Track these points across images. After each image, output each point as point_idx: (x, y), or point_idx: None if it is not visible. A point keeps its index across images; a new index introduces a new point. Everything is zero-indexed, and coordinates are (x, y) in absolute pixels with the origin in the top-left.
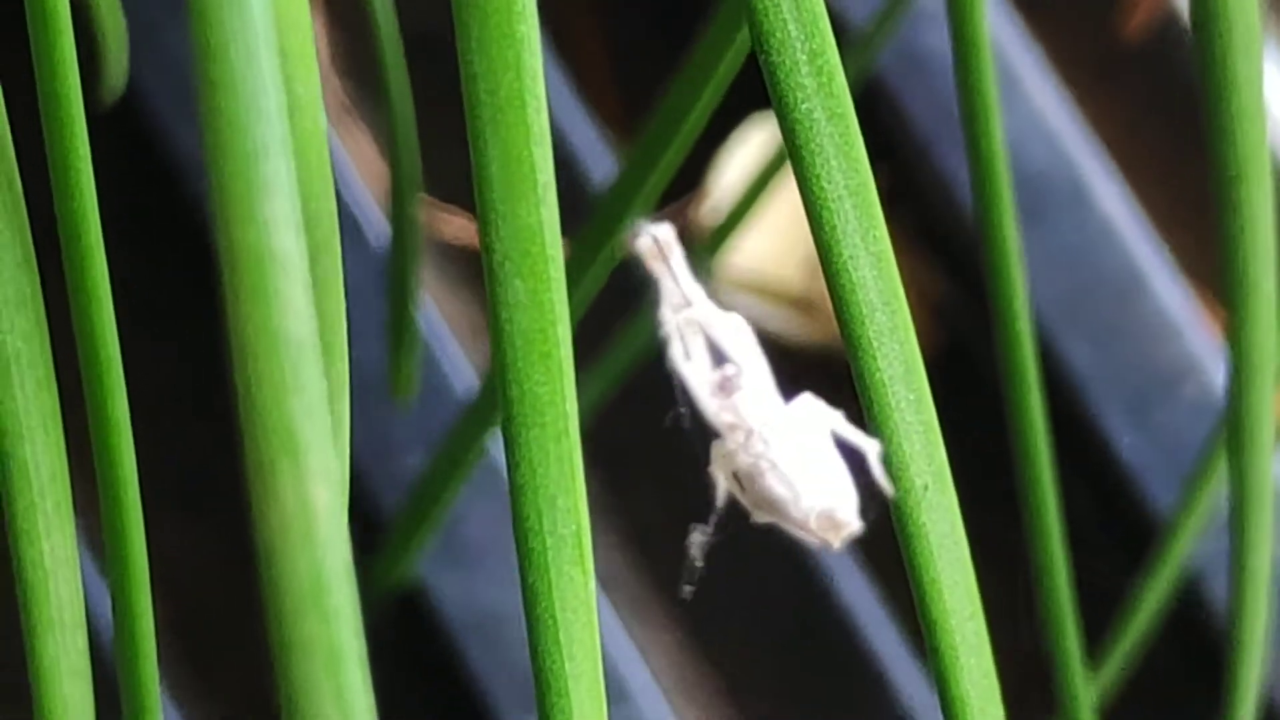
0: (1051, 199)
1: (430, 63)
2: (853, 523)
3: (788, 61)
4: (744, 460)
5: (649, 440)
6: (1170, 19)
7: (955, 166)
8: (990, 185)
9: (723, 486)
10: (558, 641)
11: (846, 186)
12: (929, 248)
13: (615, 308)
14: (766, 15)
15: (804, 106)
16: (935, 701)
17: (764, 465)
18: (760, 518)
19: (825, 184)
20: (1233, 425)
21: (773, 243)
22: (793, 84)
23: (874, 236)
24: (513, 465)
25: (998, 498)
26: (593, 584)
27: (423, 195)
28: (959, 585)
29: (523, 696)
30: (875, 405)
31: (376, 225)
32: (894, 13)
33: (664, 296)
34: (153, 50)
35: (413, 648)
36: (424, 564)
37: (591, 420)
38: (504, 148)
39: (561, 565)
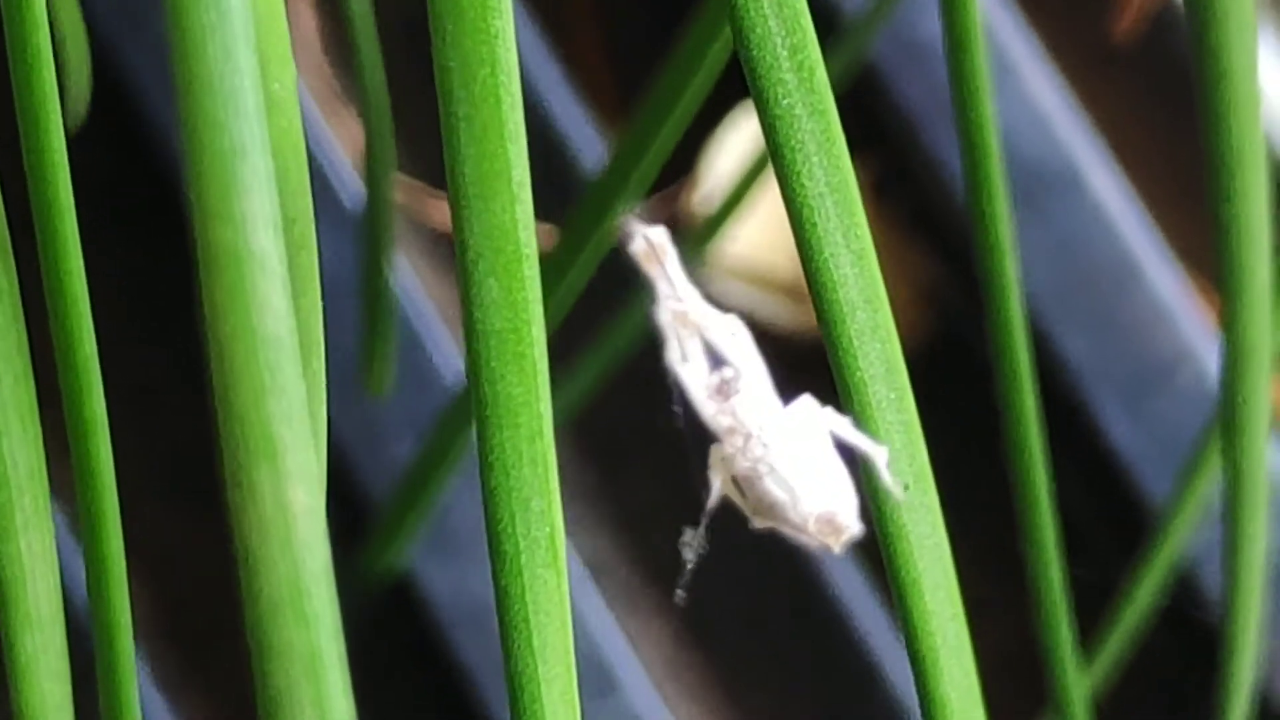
0: (1047, 187)
1: (425, 47)
2: (853, 526)
3: (768, 57)
4: (742, 464)
5: (641, 428)
6: (1167, 5)
7: (948, 153)
8: (982, 173)
9: (716, 490)
10: (531, 645)
11: (828, 184)
12: (922, 234)
13: (607, 294)
14: (747, 11)
15: (785, 103)
16: None
17: (762, 469)
18: (759, 522)
19: (806, 181)
20: (1227, 415)
21: (764, 231)
22: (773, 80)
23: (855, 234)
24: (485, 467)
25: (991, 486)
26: (566, 586)
27: (413, 181)
28: (940, 586)
29: None
30: (856, 404)
31: (361, 211)
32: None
33: (659, 298)
34: (143, 45)
35: (401, 636)
36: (413, 553)
37: (584, 408)
38: (478, 144)
39: (535, 568)
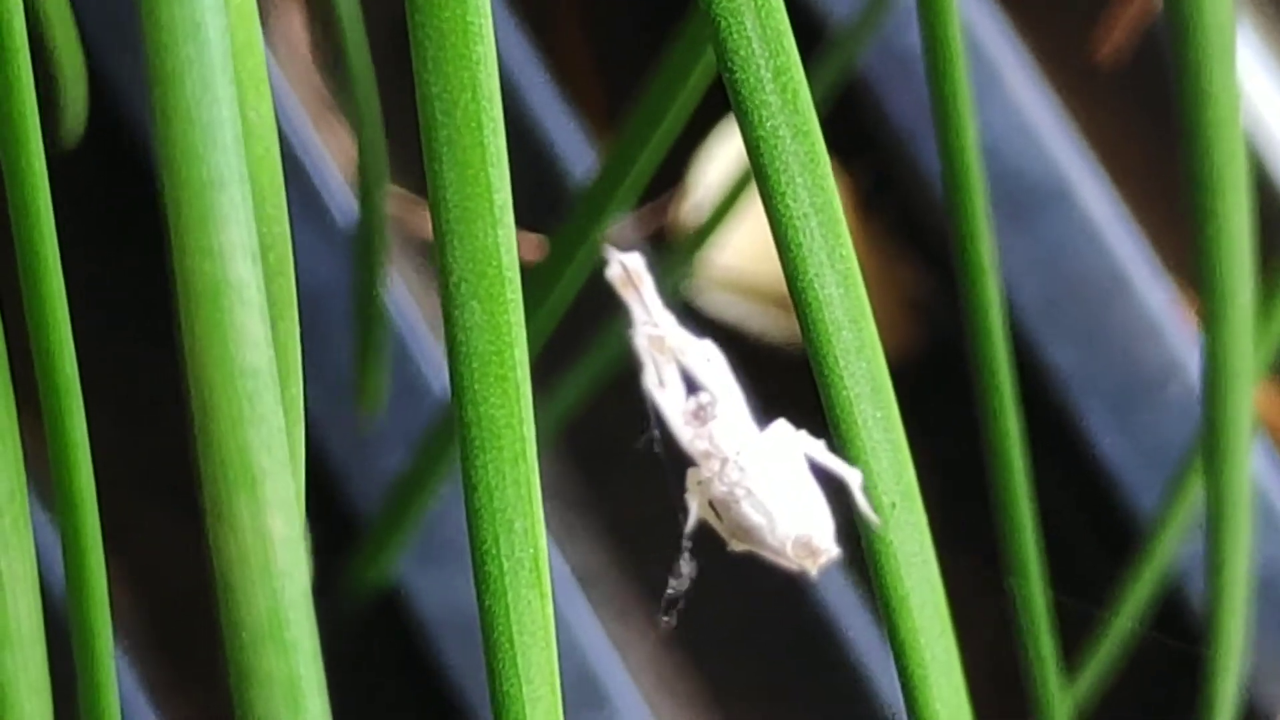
0: (1035, 199)
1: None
2: (830, 549)
3: (751, 79)
4: (719, 489)
5: (630, 437)
6: (1155, 20)
7: (936, 163)
8: (963, 188)
9: (693, 514)
10: (515, 665)
11: (812, 204)
12: (910, 244)
13: (597, 303)
14: (730, 33)
15: (768, 124)
16: None
17: (739, 493)
18: (737, 545)
19: (790, 202)
20: (1209, 435)
21: (753, 241)
22: (757, 101)
23: (840, 255)
24: (469, 489)
25: (980, 494)
26: (550, 608)
27: (401, 190)
28: (928, 604)
29: None
30: (842, 424)
31: (353, 223)
32: (877, 10)
33: (635, 324)
34: (135, 59)
35: (390, 647)
36: (403, 563)
37: (573, 417)
38: (460, 169)
39: (519, 589)
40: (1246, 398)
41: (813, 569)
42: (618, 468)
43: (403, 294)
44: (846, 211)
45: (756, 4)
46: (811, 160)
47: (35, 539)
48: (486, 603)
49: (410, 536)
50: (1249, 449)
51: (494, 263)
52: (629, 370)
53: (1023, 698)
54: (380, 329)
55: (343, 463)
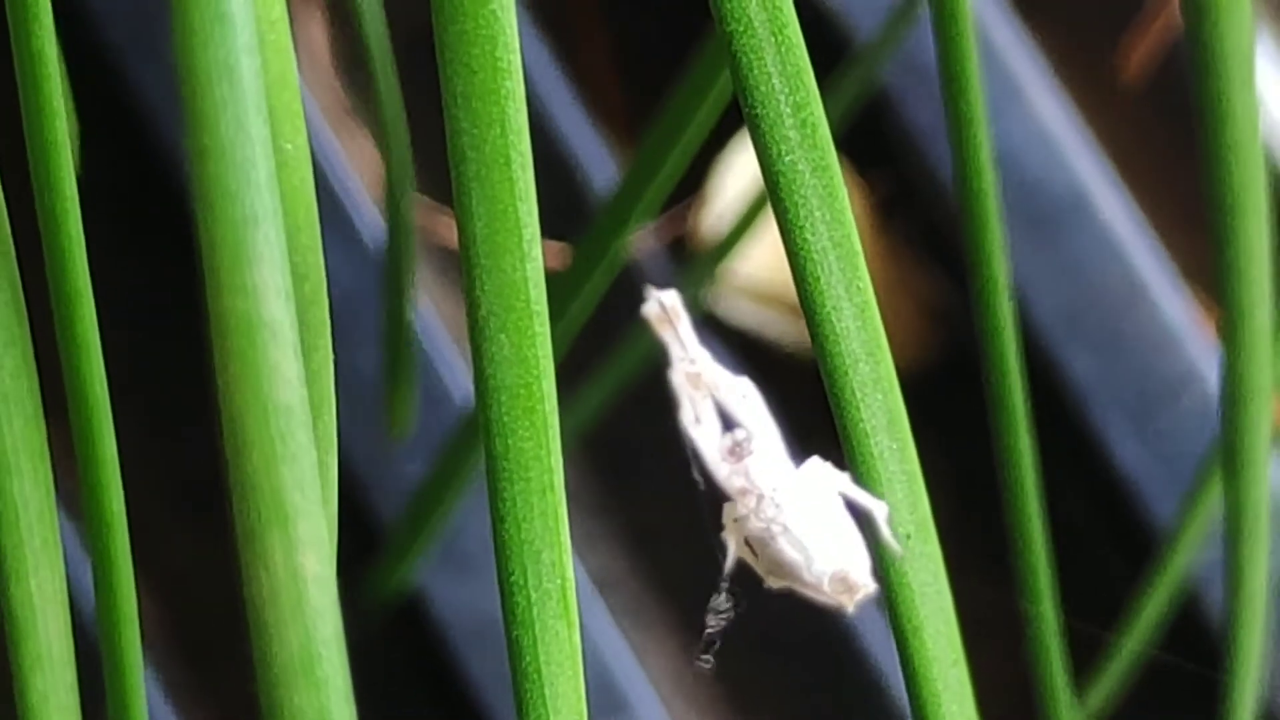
0: (1052, 208)
1: (432, 59)
2: (867, 584)
3: (771, 114)
4: (755, 525)
5: (650, 443)
6: (1178, 33)
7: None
8: (978, 198)
9: (732, 551)
10: (542, 696)
11: (830, 238)
12: (927, 252)
13: (619, 311)
14: (750, 69)
15: (788, 159)
16: None
17: (775, 529)
18: (774, 582)
19: (809, 235)
20: (1227, 448)
21: (772, 250)
22: (777, 137)
23: (857, 288)
24: (497, 520)
25: (997, 502)
26: (578, 638)
27: (422, 198)
28: (941, 634)
29: None
30: (858, 455)
31: (375, 230)
32: (900, 24)
33: (673, 361)
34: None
35: (412, 655)
36: (424, 572)
37: (594, 424)
38: (489, 204)
39: (546, 620)
40: (1266, 408)
41: (849, 605)
42: (637, 473)
43: (425, 303)
44: (865, 221)
45: (777, 41)
46: (830, 195)
47: (63, 546)
48: (514, 633)
49: (431, 544)
50: (1268, 458)
51: (522, 297)
52: (647, 377)
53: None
54: (408, 346)
55: (364, 471)
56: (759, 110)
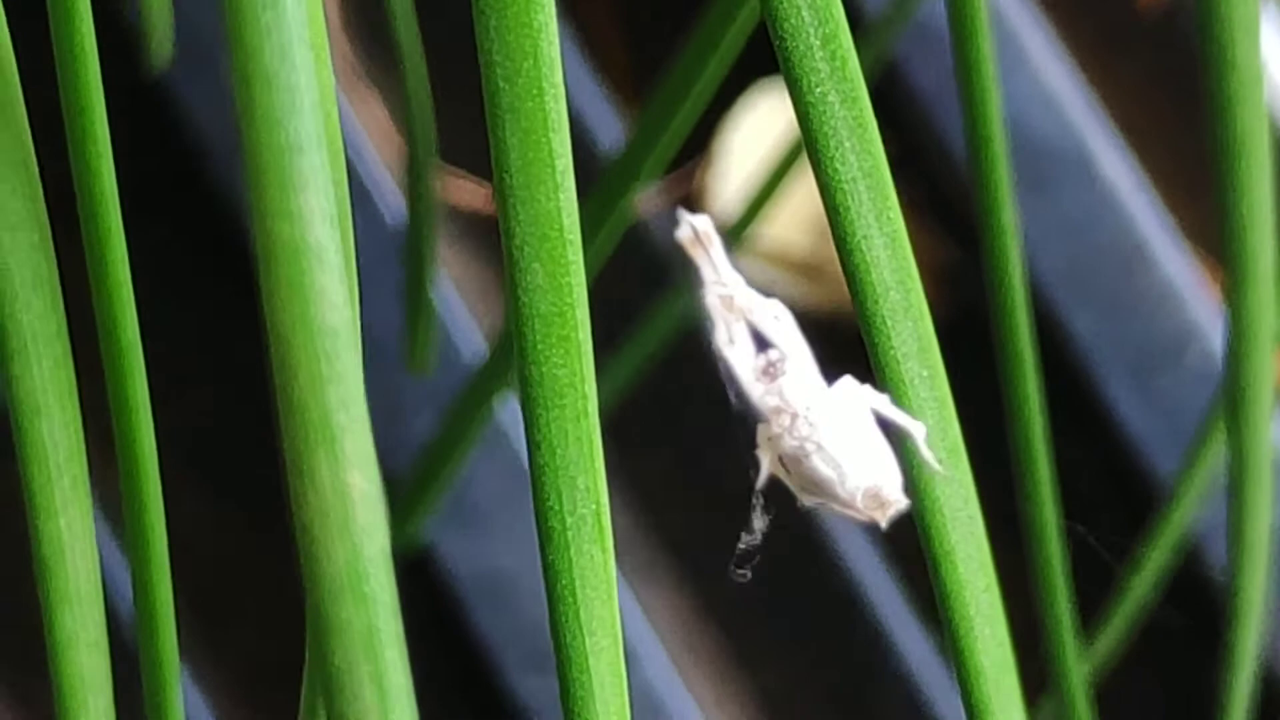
0: (1056, 168)
1: (437, 17)
2: (900, 500)
3: (801, 46)
4: (789, 443)
5: (658, 404)
6: None
7: (959, 133)
8: (987, 157)
9: (765, 469)
10: (578, 618)
11: (860, 168)
12: (935, 216)
13: (622, 273)
14: (780, 1)
15: (818, 90)
16: (944, 670)
17: (810, 447)
18: (807, 499)
19: (839, 166)
20: (1230, 398)
21: (780, 208)
22: (807, 68)
23: (888, 217)
24: (532, 446)
25: (1005, 464)
26: (612, 562)
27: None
28: (973, 559)
29: (531, 657)
30: (889, 381)
31: (387, 190)
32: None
33: (705, 284)
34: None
35: (421, 610)
36: (433, 526)
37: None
38: (522, 135)
39: (581, 544)
40: (1268, 360)
41: (883, 520)
42: (644, 434)
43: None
44: None
45: None
46: (860, 125)
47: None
48: (550, 557)
49: (441, 500)
50: (1271, 413)
51: (556, 225)
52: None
53: (1042, 661)
54: (428, 301)
55: (374, 426)
56: (789, 43)
